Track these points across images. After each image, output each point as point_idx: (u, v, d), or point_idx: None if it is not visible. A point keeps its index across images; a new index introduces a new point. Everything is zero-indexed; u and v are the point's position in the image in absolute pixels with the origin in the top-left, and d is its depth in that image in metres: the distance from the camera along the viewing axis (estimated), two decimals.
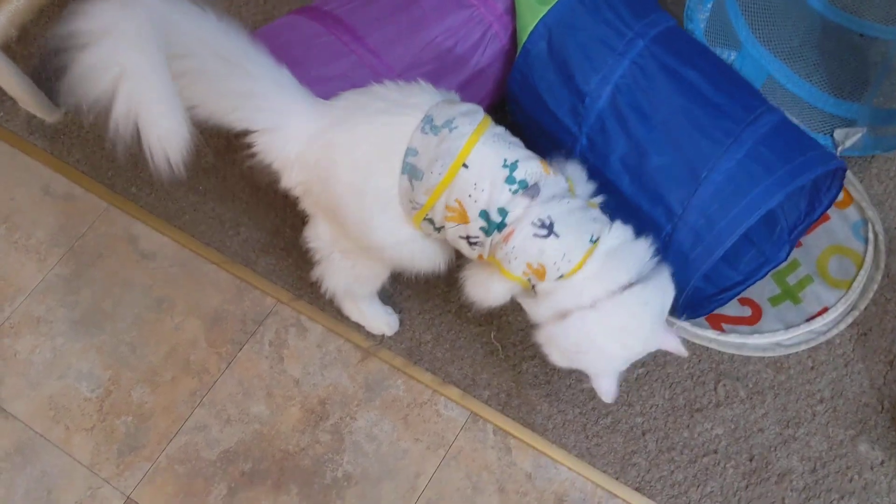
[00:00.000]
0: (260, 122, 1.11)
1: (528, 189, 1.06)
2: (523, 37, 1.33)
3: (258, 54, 1.09)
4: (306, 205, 1.21)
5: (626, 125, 1.25)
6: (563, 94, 1.31)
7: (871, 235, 1.41)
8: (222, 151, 1.60)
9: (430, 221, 1.13)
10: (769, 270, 1.38)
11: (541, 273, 1.07)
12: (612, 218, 1.10)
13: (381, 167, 1.09)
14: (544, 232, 1.05)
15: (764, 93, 1.52)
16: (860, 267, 1.39)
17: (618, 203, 1.24)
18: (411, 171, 1.08)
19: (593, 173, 1.20)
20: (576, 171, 1.17)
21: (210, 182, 1.58)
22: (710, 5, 1.44)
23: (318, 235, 1.24)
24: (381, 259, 1.23)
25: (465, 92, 1.38)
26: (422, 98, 1.10)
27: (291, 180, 1.15)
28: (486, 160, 1.06)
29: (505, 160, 1.06)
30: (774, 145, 1.18)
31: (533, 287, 1.10)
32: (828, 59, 1.58)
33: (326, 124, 1.10)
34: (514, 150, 1.08)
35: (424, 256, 1.20)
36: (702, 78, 1.24)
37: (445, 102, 1.09)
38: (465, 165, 1.06)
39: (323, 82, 1.30)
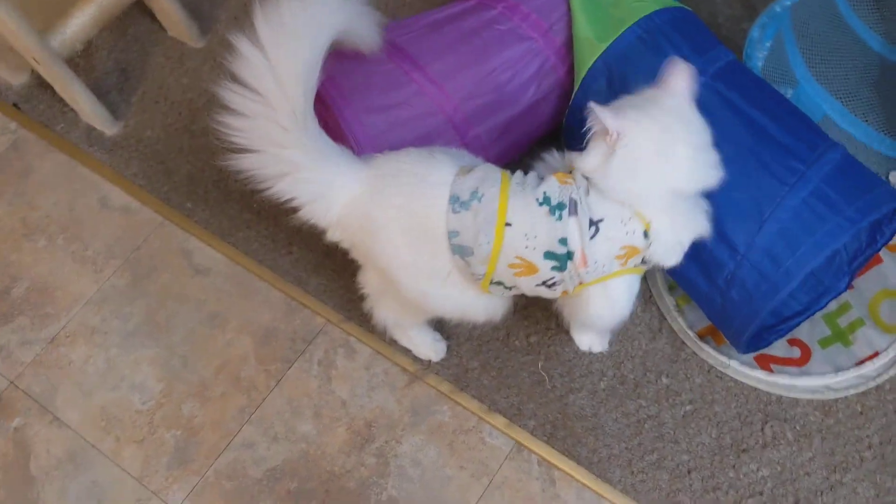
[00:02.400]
0: (305, 194, 1.14)
1: (568, 207, 1.08)
2: (582, 73, 1.34)
3: (312, 121, 1.13)
4: (355, 255, 1.24)
5: None
6: None
7: None
8: None
9: (500, 283, 1.16)
10: (829, 300, 1.36)
11: (631, 251, 1.10)
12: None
13: (429, 249, 1.13)
14: (594, 230, 1.08)
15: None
16: None
17: None
18: (460, 251, 1.11)
19: None
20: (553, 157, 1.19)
21: (264, 201, 1.60)
22: (769, 43, 1.44)
23: (370, 282, 1.28)
24: (436, 313, 1.28)
25: (521, 123, 1.41)
26: (441, 173, 1.12)
27: (336, 237, 1.20)
28: (524, 211, 1.09)
29: (537, 199, 1.09)
30: (839, 183, 1.18)
31: (643, 260, 1.13)
32: (885, 99, 1.57)
33: (361, 192, 1.14)
34: (537, 185, 1.11)
35: (484, 311, 1.24)
36: (764, 114, 1.24)
37: (461, 173, 1.12)
38: (508, 225, 1.09)
39: (384, 110, 1.33)
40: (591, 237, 1.08)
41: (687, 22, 1.35)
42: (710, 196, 1.20)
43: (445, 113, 1.35)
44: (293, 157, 1.11)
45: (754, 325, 1.21)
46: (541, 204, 1.09)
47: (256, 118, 1.09)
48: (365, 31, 1.23)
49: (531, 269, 1.12)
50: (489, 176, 1.12)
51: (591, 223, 1.08)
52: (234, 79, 1.09)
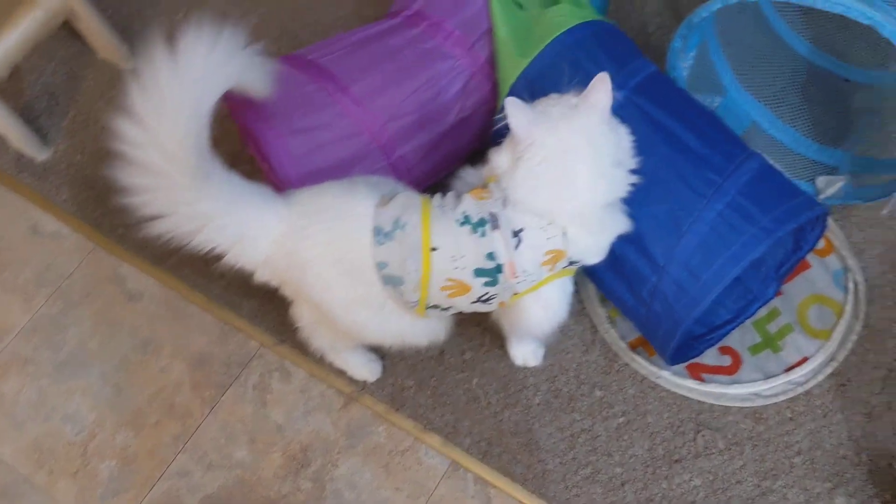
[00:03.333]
0: (225, 240, 1.13)
1: (489, 222, 1.09)
2: (505, 89, 1.34)
3: (218, 168, 1.12)
4: (286, 292, 1.24)
5: None
6: None
7: (851, 285, 1.41)
8: None
9: (436, 307, 1.16)
10: (758, 308, 1.39)
11: (557, 254, 1.11)
12: None
13: (359, 282, 1.13)
14: (517, 240, 1.09)
15: (747, 138, 1.55)
16: (840, 316, 1.39)
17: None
18: (391, 281, 1.11)
19: None
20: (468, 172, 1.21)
21: None
22: (692, 53, 1.44)
23: (303, 316, 1.28)
24: (376, 341, 1.28)
25: (447, 142, 1.41)
26: (362, 206, 1.12)
27: (264, 278, 1.19)
28: (447, 233, 1.10)
29: (458, 220, 1.10)
30: (756, 194, 1.19)
31: (570, 262, 1.14)
32: (812, 104, 1.59)
33: (285, 230, 1.13)
34: (456, 206, 1.12)
35: (425, 334, 1.25)
36: (684, 127, 1.25)
37: (382, 203, 1.12)
38: (433, 249, 1.10)
39: (306, 132, 1.32)
40: (516, 247, 1.09)
41: (608, 35, 1.36)
42: (630, 210, 1.21)
43: (370, 133, 1.34)
44: (204, 209, 1.10)
45: (677, 338, 1.21)
46: (462, 224, 1.10)
47: (155, 189, 1.08)
48: (255, 82, 1.18)
49: (464, 288, 1.12)
50: (409, 203, 1.13)
51: (514, 234, 1.09)
52: (121, 157, 1.07)
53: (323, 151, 1.32)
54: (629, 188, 1.12)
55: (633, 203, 1.21)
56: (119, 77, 1.76)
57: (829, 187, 1.46)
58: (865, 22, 1.14)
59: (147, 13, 1.84)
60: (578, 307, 1.45)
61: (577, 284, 1.47)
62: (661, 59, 1.58)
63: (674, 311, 1.20)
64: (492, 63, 1.40)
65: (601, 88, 1.11)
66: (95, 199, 1.63)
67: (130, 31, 1.81)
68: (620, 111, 1.24)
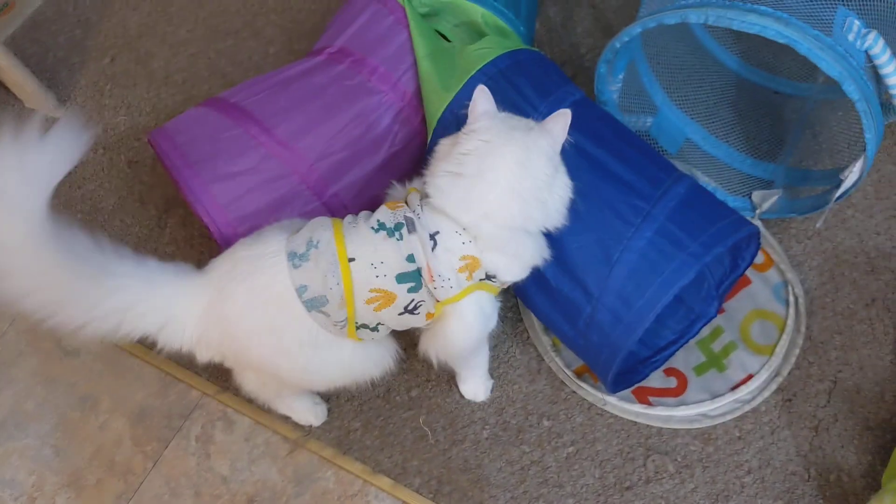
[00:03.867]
0: (151, 326, 1.11)
1: (406, 226, 1.09)
2: (432, 123, 1.33)
3: (118, 258, 1.09)
4: (229, 365, 1.21)
5: None
6: None
7: (791, 298, 1.42)
8: (144, 240, 1.58)
9: (366, 326, 1.14)
10: (701, 327, 1.38)
11: (473, 262, 1.11)
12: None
13: (287, 319, 1.11)
14: (433, 243, 1.09)
15: (682, 155, 1.55)
16: (782, 330, 1.39)
17: (540, 286, 1.24)
18: (315, 304, 1.09)
19: None
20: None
21: None
22: (621, 76, 1.45)
23: (248, 381, 1.25)
24: (327, 385, 1.26)
25: (380, 176, 1.38)
26: (273, 242, 1.12)
27: (205, 357, 1.16)
28: (363, 242, 1.10)
29: (373, 227, 1.10)
30: (684, 219, 1.18)
31: (490, 277, 1.14)
32: (744, 118, 1.60)
33: (208, 301, 1.12)
34: (368, 216, 1.13)
35: (372, 363, 1.22)
36: (609, 153, 1.24)
37: (293, 233, 1.13)
38: (351, 260, 1.09)
39: (231, 178, 1.30)
40: (432, 249, 1.09)
41: (533, 63, 1.35)
42: (561, 240, 1.20)
43: (298, 175, 1.32)
44: (115, 305, 1.07)
45: (615, 366, 1.20)
46: (377, 231, 1.10)
47: (59, 304, 1.05)
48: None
49: (389, 297, 1.11)
50: (319, 224, 1.13)
51: (430, 237, 1.09)
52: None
53: (251, 196, 1.30)
54: (543, 229, 1.13)
55: (562, 234, 1.21)
56: (47, 128, 1.71)
57: (765, 202, 1.46)
58: (781, 41, 1.15)
59: (73, 60, 1.81)
60: (524, 336, 1.44)
61: (521, 314, 1.46)
62: (593, 80, 1.59)
63: (610, 340, 1.19)
64: (419, 97, 1.38)
65: (559, 122, 1.12)
66: None
67: (57, 79, 1.77)
68: None
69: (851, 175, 1.28)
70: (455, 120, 1.31)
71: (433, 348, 1.24)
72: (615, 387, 1.30)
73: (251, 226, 1.28)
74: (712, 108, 1.60)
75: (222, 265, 1.14)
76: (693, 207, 1.20)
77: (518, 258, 1.14)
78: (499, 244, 1.11)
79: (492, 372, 1.40)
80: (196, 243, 1.57)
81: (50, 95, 1.72)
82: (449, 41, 1.48)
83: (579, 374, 1.39)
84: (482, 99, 1.11)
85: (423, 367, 1.41)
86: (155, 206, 1.61)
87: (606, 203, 1.20)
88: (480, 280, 1.14)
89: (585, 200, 1.20)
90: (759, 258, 1.46)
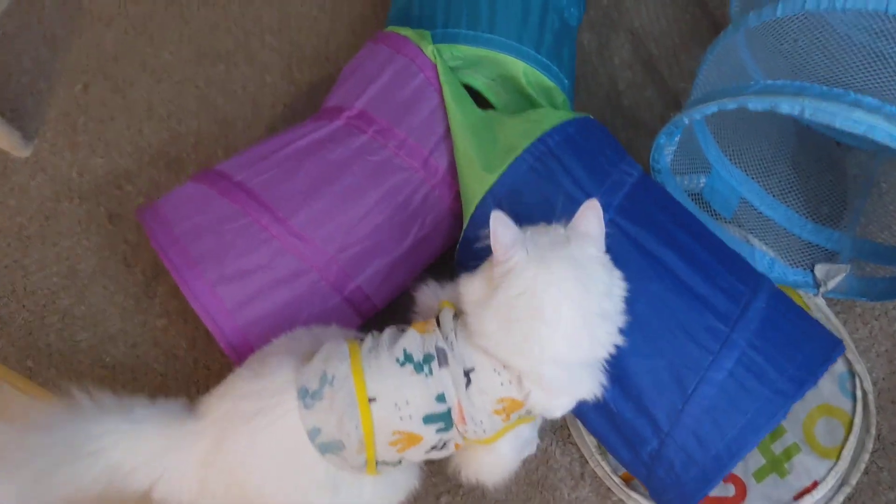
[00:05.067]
0: (139, 483, 0.96)
1: (437, 358, 0.95)
2: (470, 208, 1.15)
3: (97, 415, 0.96)
4: None
5: None
6: None
7: (859, 393, 1.28)
8: (131, 312, 1.40)
9: (386, 463, 0.99)
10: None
11: (512, 404, 0.96)
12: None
13: (300, 464, 0.95)
14: (466, 380, 0.94)
15: (738, 219, 1.39)
16: (849, 430, 1.27)
17: (595, 405, 1.09)
18: (329, 448, 0.95)
19: None
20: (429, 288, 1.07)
21: (118, 352, 1.37)
22: (677, 138, 1.27)
23: None
24: None
25: (408, 261, 1.22)
26: (280, 375, 0.96)
27: None
28: (385, 378, 0.95)
29: (398, 359, 0.95)
30: (768, 347, 1.04)
31: (527, 411, 0.99)
32: (803, 174, 1.44)
33: (208, 447, 0.97)
34: (393, 343, 0.97)
35: (395, 491, 1.08)
36: (678, 257, 1.09)
37: (306, 358, 0.98)
38: (372, 400, 0.94)
39: (239, 277, 1.12)
40: (465, 387, 0.94)
41: (583, 137, 1.18)
42: (627, 362, 1.05)
43: (317, 270, 1.14)
44: (101, 467, 0.94)
45: None
46: (402, 364, 0.94)
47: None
48: None
49: (413, 439, 0.96)
50: (335, 352, 0.97)
51: (464, 373, 0.94)
52: None
53: (263, 297, 1.12)
54: (612, 350, 0.96)
55: (626, 352, 1.05)
56: (14, 169, 1.50)
57: (831, 279, 1.32)
58: (894, 145, 0.98)
59: (40, 86, 1.57)
60: (564, 433, 1.29)
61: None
62: (635, 124, 1.43)
63: (682, 483, 1.05)
64: (452, 172, 1.20)
65: (591, 217, 0.95)
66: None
67: (23, 113, 1.55)
68: (606, 241, 1.08)
69: None
70: (498, 206, 1.13)
71: (464, 471, 1.10)
72: None
73: (263, 330, 1.11)
74: (769, 164, 1.43)
75: (220, 406, 0.98)
76: (777, 328, 1.05)
77: (573, 395, 0.99)
78: (560, 385, 0.95)
79: (530, 474, 1.26)
80: (191, 316, 1.38)
81: (14, 133, 1.49)
82: (480, 95, 1.30)
83: (628, 481, 1.25)
84: (501, 228, 0.91)
85: (455, 471, 1.27)
86: (142, 271, 1.42)
87: (679, 323, 1.05)
88: (519, 417, 0.99)
89: (653, 315, 1.05)
90: None
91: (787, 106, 1.02)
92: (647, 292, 1.06)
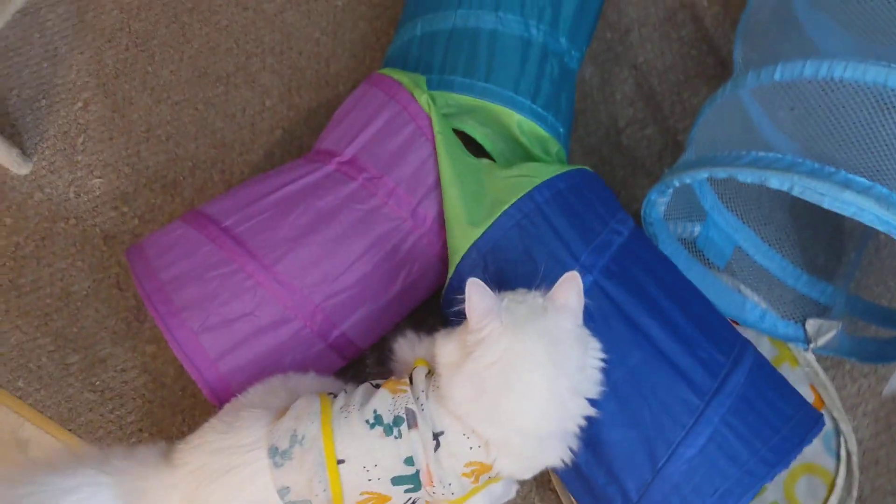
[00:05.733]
0: None
1: (406, 420, 0.95)
2: (455, 258, 1.15)
3: (73, 469, 0.98)
4: None
5: None
6: None
7: (843, 453, 1.28)
8: (121, 337, 1.41)
9: None
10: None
11: (481, 468, 0.97)
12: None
13: None
14: (435, 443, 0.95)
15: (730, 268, 1.38)
16: (830, 490, 1.26)
17: (567, 468, 1.10)
18: None
19: None
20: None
21: (108, 376, 1.39)
22: (670, 192, 1.26)
23: None
24: None
25: (393, 309, 1.22)
26: (251, 430, 0.98)
27: None
28: (355, 440, 0.95)
29: (367, 421, 0.96)
30: (742, 426, 1.03)
31: (497, 473, 1.00)
32: (800, 223, 1.42)
33: (181, 500, 0.98)
34: (364, 403, 0.98)
35: None
36: (660, 326, 1.08)
37: (278, 422, 0.98)
38: (340, 462, 0.95)
39: (224, 325, 1.13)
40: (434, 450, 0.95)
41: (576, 194, 1.17)
42: (602, 429, 1.05)
43: (302, 318, 1.15)
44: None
45: None
46: (372, 426, 0.95)
47: None
48: None
49: (382, 499, 0.98)
50: (306, 410, 0.98)
51: (433, 436, 0.95)
52: None
53: (246, 345, 1.13)
54: (582, 423, 0.96)
55: (603, 420, 1.05)
56: (12, 187, 1.51)
57: (821, 336, 1.31)
58: (882, 229, 0.96)
59: (40, 102, 1.58)
60: (544, 480, 1.30)
61: None
62: (634, 162, 1.42)
63: None
64: (441, 221, 1.20)
65: (570, 289, 0.94)
66: None
67: (22, 126, 1.55)
68: (588, 305, 1.07)
69: None
70: (481, 261, 1.13)
71: None
72: None
73: (245, 376, 1.12)
74: (766, 212, 1.42)
75: (194, 458, 0.99)
76: (753, 407, 1.05)
77: (541, 463, 1.00)
78: (528, 453, 0.96)
79: None
80: None
81: (13, 151, 1.50)
82: (471, 139, 1.29)
83: None
84: (476, 296, 0.91)
85: None
86: (134, 295, 1.43)
87: (655, 394, 1.04)
88: (489, 478, 1.00)
89: (630, 384, 1.05)
90: (809, 397, 1.31)
91: (776, 182, 1.01)
92: (626, 361, 1.06)
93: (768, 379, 1.09)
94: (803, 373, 1.32)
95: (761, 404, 1.05)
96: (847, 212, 0.97)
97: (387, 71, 1.25)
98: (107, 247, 1.47)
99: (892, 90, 1.00)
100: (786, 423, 1.04)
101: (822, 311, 1.36)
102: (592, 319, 1.07)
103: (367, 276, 1.17)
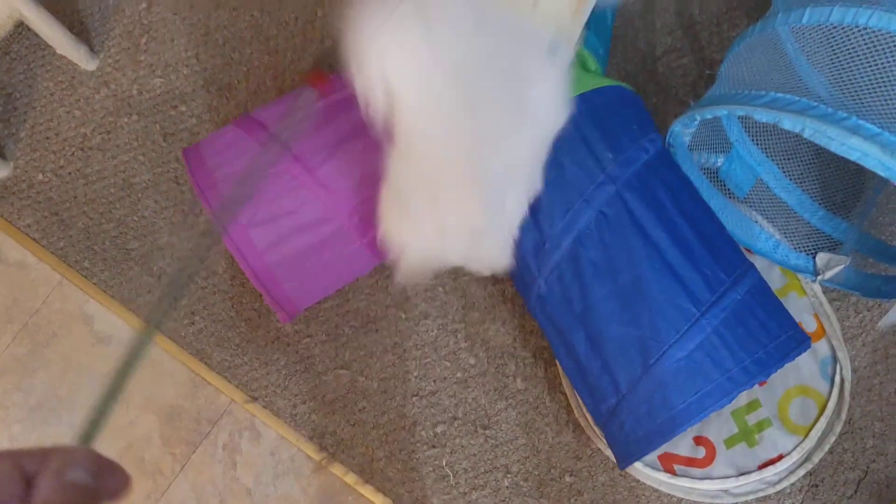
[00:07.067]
0: None
1: None
2: None
3: None
4: None
5: (584, 282, 1.19)
6: (527, 227, 1.24)
7: (837, 378, 1.36)
8: (178, 227, 1.53)
9: None
10: (738, 392, 1.33)
11: None
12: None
13: None
14: None
15: (749, 199, 1.44)
16: (821, 411, 1.36)
17: (568, 352, 1.21)
18: None
19: (550, 319, 1.21)
20: None
21: (165, 262, 1.52)
22: (696, 124, 1.31)
23: None
24: None
25: None
26: None
27: None
28: None
29: None
30: (732, 335, 1.12)
31: None
32: (824, 160, 1.47)
33: None
34: None
35: None
36: (670, 239, 1.16)
37: None
38: None
39: (271, 221, 1.23)
40: None
41: (607, 110, 1.23)
42: (602, 326, 1.16)
43: (340, 218, 1.25)
44: None
45: (622, 464, 1.20)
46: None
47: None
48: None
49: None
50: None
51: None
52: None
53: (288, 241, 1.24)
54: None
55: (603, 318, 1.17)
56: (80, 81, 1.62)
57: (829, 269, 1.37)
58: (884, 175, 1.02)
59: (107, 2, 1.66)
60: (556, 381, 1.41)
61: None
62: (667, 90, 1.47)
63: (628, 442, 1.17)
64: None
65: None
66: (59, 227, 1.56)
67: (89, 25, 1.65)
68: (608, 210, 1.18)
69: None
70: None
71: None
72: (622, 466, 1.29)
73: (288, 269, 1.23)
74: (792, 146, 1.47)
75: None
76: (744, 322, 1.13)
77: None
78: None
79: (520, 416, 1.39)
80: None
81: (81, 48, 1.60)
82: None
83: None
84: None
85: (451, 403, 1.40)
86: (190, 190, 1.55)
87: (655, 300, 1.14)
88: None
89: (637, 289, 1.15)
90: (812, 326, 1.39)
91: (788, 123, 1.07)
92: (635, 268, 1.15)
93: (764, 300, 1.17)
94: (809, 302, 1.40)
95: (753, 322, 1.14)
96: (852, 156, 1.02)
97: None
98: (166, 143, 1.58)
99: None
100: (772, 340, 1.13)
101: (834, 246, 1.43)
102: (610, 229, 1.16)
103: None
